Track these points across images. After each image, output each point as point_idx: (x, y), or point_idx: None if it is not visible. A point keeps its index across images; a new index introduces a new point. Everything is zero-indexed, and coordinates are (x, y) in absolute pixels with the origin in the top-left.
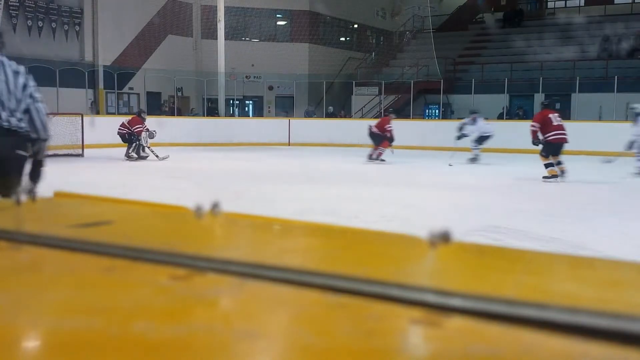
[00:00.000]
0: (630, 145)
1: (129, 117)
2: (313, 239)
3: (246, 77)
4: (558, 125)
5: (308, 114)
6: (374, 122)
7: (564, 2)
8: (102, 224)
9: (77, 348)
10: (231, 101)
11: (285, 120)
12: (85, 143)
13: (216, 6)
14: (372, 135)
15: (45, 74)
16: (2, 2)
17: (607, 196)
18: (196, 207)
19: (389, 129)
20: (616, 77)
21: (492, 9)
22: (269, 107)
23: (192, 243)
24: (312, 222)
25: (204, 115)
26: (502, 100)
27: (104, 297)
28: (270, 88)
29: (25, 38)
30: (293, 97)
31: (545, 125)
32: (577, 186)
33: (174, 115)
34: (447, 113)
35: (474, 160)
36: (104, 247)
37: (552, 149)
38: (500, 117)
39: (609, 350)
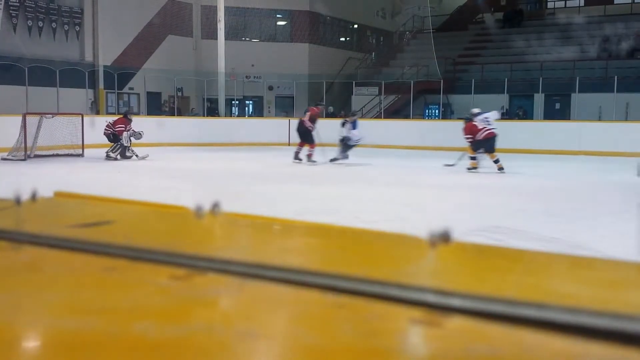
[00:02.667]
0: None
1: (116, 117)
2: (313, 239)
3: (246, 77)
4: (483, 127)
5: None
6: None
7: (564, 2)
8: (102, 224)
9: (77, 348)
10: (231, 101)
11: (285, 120)
12: (85, 143)
13: (216, 6)
14: (301, 131)
15: (45, 74)
16: (2, 2)
17: (607, 196)
18: (196, 207)
19: (309, 126)
20: (616, 77)
21: (492, 9)
22: (269, 107)
23: (192, 243)
24: (312, 222)
25: (204, 115)
26: (502, 100)
27: (104, 297)
28: (270, 88)
29: (25, 38)
30: (293, 97)
31: (475, 132)
32: (577, 186)
33: (174, 115)
34: (447, 113)
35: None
36: (104, 247)
37: (485, 145)
38: (500, 117)
39: (609, 350)
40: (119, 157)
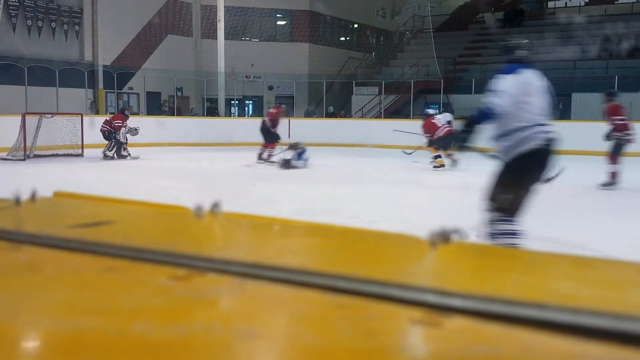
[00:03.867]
0: None
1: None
2: (313, 239)
3: (246, 77)
4: (442, 125)
5: (308, 114)
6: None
7: (564, 2)
8: (102, 224)
9: (77, 348)
10: (231, 101)
11: (285, 120)
12: (85, 143)
13: (216, 6)
14: (264, 131)
15: (45, 74)
16: (2, 2)
17: (607, 196)
18: (196, 207)
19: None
20: (617, 77)
21: (493, 9)
22: (269, 107)
23: (192, 243)
24: (312, 222)
25: (203, 115)
26: None
27: (104, 297)
28: (270, 88)
29: (24, 38)
30: (293, 97)
31: (433, 129)
32: (577, 186)
33: (174, 115)
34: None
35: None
36: (104, 247)
37: (443, 142)
38: None
39: (609, 350)
40: (115, 155)
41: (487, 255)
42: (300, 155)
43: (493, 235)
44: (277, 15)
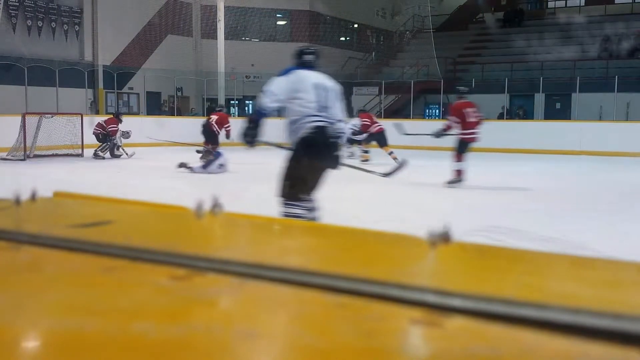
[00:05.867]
0: None
1: (106, 117)
2: (313, 239)
3: (246, 77)
4: (374, 122)
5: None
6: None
7: (564, 1)
8: (102, 224)
9: (77, 348)
10: (231, 101)
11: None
12: (85, 143)
13: (216, 6)
14: (206, 132)
15: (44, 74)
16: (2, 2)
17: (607, 196)
18: (196, 207)
19: (228, 128)
20: (617, 77)
21: (492, 9)
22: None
23: (192, 243)
24: (312, 222)
25: (204, 115)
26: (502, 100)
27: (104, 297)
28: None
29: (24, 38)
30: None
31: (365, 126)
32: (577, 186)
33: (174, 115)
34: (447, 113)
35: None
36: (104, 247)
37: (377, 139)
38: (500, 117)
39: (609, 350)
40: (107, 156)
41: (487, 255)
42: (211, 162)
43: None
44: (277, 15)
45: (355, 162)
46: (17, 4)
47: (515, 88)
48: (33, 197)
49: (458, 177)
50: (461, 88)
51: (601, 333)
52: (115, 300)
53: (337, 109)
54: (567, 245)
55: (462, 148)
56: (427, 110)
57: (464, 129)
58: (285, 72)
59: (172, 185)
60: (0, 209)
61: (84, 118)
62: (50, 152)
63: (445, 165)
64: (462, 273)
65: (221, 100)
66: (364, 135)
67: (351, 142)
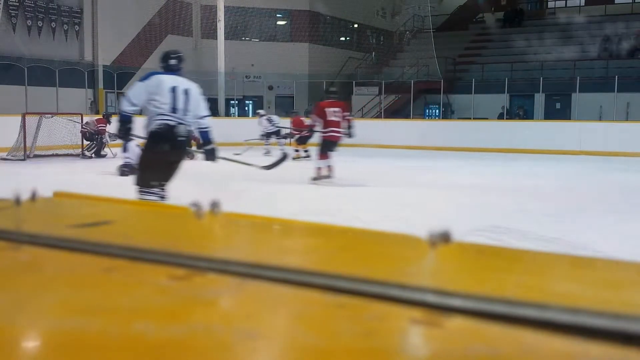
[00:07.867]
0: None
1: (95, 117)
2: (313, 239)
3: (246, 76)
4: (309, 124)
5: (308, 114)
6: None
7: (564, 1)
8: (102, 224)
9: (77, 348)
10: (231, 101)
11: (285, 120)
12: (85, 143)
13: (216, 6)
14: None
15: (44, 73)
16: (2, 2)
17: (607, 196)
18: (196, 207)
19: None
20: (617, 77)
21: (493, 9)
22: (269, 107)
23: (192, 243)
24: (312, 222)
25: None
26: (502, 100)
27: (104, 297)
28: (270, 88)
29: (24, 38)
30: (293, 97)
31: (302, 126)
32: (577, 186)
33: None
34: (447, 113)
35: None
36: (104, 247)
37: (304, 140)
38: (500, 117)
39: (609, 350)
40: (93, 155)
41: (487, 255)
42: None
43: None
44: (277, 15)
45: (248, 157)
46: (17, 4)
47: (515, 88)
48: (33, 197)
49: (320, 174)
50: (331, 89)
51: (601, 333)
52: (115, 300)
53: (199, 109)
54: (567, 245)
55: (324, 147)
56: (427, 110)
57: (324, 127)
58: (145, 77)
59: (172, 186)
60: (0, 209)
61: (84, 118)
62: (50, 152)
63: (445, 166)
64: (462, 273)
65: (221, 100)
66: (288, 135)
67: (267, 136)
